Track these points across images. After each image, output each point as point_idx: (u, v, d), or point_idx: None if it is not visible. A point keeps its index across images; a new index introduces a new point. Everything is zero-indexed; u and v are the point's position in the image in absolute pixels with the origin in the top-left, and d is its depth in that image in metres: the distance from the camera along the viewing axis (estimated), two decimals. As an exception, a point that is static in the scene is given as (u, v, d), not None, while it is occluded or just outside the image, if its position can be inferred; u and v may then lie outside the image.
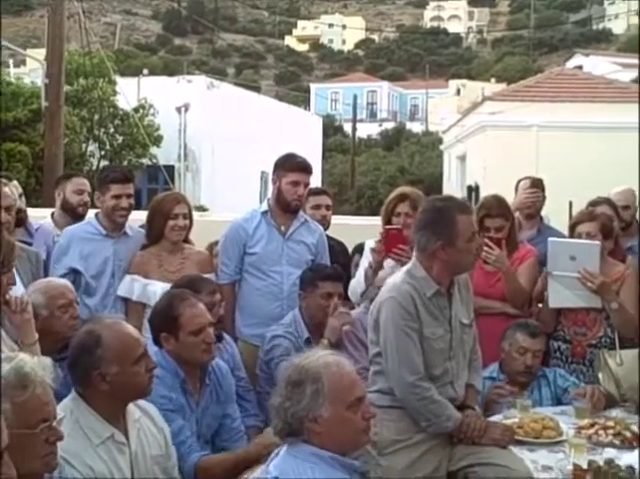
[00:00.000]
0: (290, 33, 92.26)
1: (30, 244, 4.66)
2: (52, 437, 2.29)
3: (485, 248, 4.39)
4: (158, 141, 20.12)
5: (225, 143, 21.38)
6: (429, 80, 64.27)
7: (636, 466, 3.16)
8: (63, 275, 4.41)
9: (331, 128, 46.27)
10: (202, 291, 3.90)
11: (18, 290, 3.54)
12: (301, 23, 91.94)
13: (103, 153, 19.86)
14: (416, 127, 53.87)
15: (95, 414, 2.81)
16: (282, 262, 4.62)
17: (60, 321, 3.72)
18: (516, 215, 5.05)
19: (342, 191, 32.07)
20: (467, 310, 3.52)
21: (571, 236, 4.50)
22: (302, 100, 60.19)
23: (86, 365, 2.81)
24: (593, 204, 4.98)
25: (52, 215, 5.34)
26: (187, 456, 3.29)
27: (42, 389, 2.27)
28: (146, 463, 2.90)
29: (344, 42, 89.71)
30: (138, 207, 5.11)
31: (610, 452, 3.35)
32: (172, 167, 21.37)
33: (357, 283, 4.67)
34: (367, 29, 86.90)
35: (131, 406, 2.93)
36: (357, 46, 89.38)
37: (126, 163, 19.13)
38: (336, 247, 5.14)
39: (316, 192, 5.36)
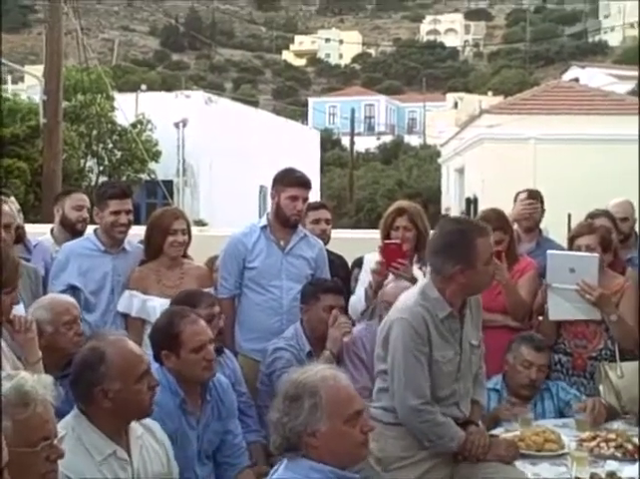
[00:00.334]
0: (287, 48, 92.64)
1: (28, 261, 4.65)
2: (52, 455, 2.28)
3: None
4: (156, 156, 20.14)
5: (224, 157, 21.41)
6: (426, 93, 64.45)
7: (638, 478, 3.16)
8: (61, 292, 4.39)
9: (329, 142, 46.33)
10: (201, 305, 3.89)
11: (18, 307, 3.53)
12: (298, 38, 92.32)
13: (101, 168, 19.87)
14: (414, 140, 53.92)
15: (97, 431, 2.80)
16: (282, 277, 4.62)
17: (65, 338, 3.72)
18: (515, 227, 5.06)
19: (341, 204, 32.08)
20: (476, 330, 3.47)
21: (570, 248, 4.50)
22: (300, 114, 60.34)
23: (88, 382, 2.80)
24: (592, 216, 4.98)
25: (51, 231, 5.33)
26: None
27: (43, 407, 2.26)
28: (148, 480, 2.89)
29: (341, 56, 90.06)
30: (136, 222, 5.11)
31: (612, 465, 3.35)
32: (171, 182, 21.38)
33: (357, 301, 4.68)
34: (364, 43, 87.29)
35: (133, 423, 2.92)
36: (354, 60, 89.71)
37: (124, 178, 19.14)
38: (336, 261, 5.14)
39: (315, 206, 5.36)
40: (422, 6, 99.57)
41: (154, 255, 4.60)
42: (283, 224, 4.67)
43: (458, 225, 3.39)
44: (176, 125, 21.55)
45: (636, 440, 3.55)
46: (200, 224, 16.76)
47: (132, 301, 4.51)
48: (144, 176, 20.11)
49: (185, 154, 21.93)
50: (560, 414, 4.13)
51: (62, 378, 3.56)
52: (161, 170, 20.05)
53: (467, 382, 3.42)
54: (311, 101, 68.78)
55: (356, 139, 39.87)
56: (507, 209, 5.13)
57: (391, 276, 4.55)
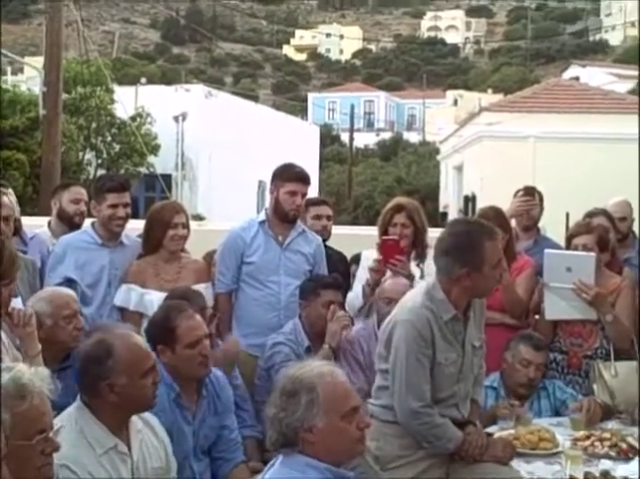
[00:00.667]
0: (288, 42, 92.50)
1: (25, 253, 4.65)
2: (48, 448, 2.28)
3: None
4: (155, 149, 20.10)
5: (223, 152, 21.38)
6: (426, 90, 64.43)
7: (632, 477, 3.17)
8: (58, 285, 4.39)
9: (328, 137, 46.28)
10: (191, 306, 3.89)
11: (16, 300, 3.53)
12: (299, 32, 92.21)
13: (100, 161, 19.84)
14: (413, 137, 53.91)
15: (99, 424, 2.80)
16: (280, 272, 4.62)
17: (64, 331, 3.72)
18: (513, 226, 5.06)
19: (339, 201, 32.04)
20: (479, 331, 3.46)
21: (568, 248, 4.51)
22: (300, 109, 60.30)
23: (95, 375, 2.80)
24: (590, 215, 4.98)
25: (49, 223, 5.32)
26: None
27: (40, 400, 2.26)
28: (147, 475, 2.89)
29: (342, 52, 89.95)
30: (135, 216, 5.10)
31: (606, 464, 3.36)
32: (170, 176, 21.35)
33: (355, 297, 4.69)
34: (364, 39, 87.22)
35: (133, 417, 2.92)
36: (354, 56, 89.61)
37: (123, 171, 19.10)
38: (335, 257, 5.15)
39: (317, 202, 5.36)
40: (423, 2, 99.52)
41: (152, 249, 4.59)
42: (282, 219, 4.67)
43: (467, 226, 3.35)
44: (176, 118, 21.51)
45: (630, 439, 3.56)
46: (198, 218, 16.75)
47: (129, 295, 4.51)
48: (142, 169, 20.08)
49: (185, 148, 21.90)
50: (556, 413, 4.14)
51: (60, 371, 3.57)
52: (160, 163, 20.02)
53: (467, 384, 3.41)
54: (311, 96, 68.75)
55: (355, 135, 39.86)
56: (506, 207, 5.12)
57: (389, 273, 4.56)
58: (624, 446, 3.51)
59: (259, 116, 24.32)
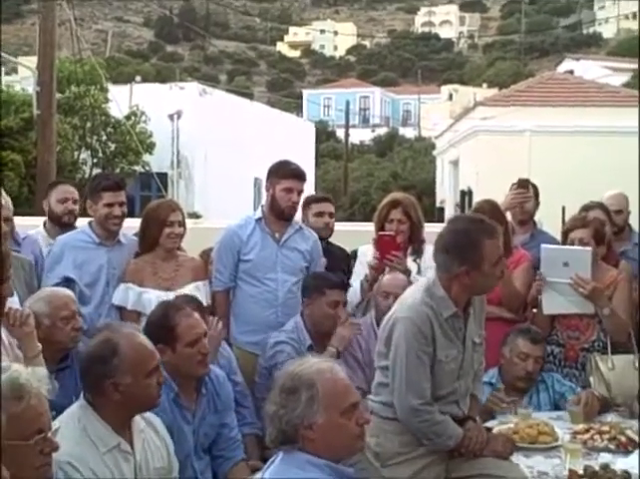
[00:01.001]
0: (282, 39, 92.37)
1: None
2: (46, 448, 2.27)
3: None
4: (150, 148, 20.08)
5: (218, 149, 21.36)
6: (421, 85, 64.37)
7: (632, 471, 3.17)
8: (56, 284, 4.39)
9: (324, 134, 46.24)
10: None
11: (13, 300, 3.52)
12: (293, 29, 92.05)
13: (95, 160, 19.81)
14: (408, 132, 53.88)
15: (102, 423, 2.80)
16: (277, 269, 4.62)
17: (62, 332, 3.72)
18: (509, 219, 5.06)
19: (335, 197, 31.69)
20: (479, 327, 3.44)
21: (564, 242, 4.51)
22: (294, 106, 60.21)
23: (100, 374, 2.80)
24: (586, 208, 4.98)
25: (44, 224, 5.31)
26: None
27: (37, 400, 2.25)
28: (149, 474, 2.89)
29: (336, 48, 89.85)
30: (131, 214, 5.09)
31: (605, 457, 3.36)
32: (165, 174, 21.34)
33: (353, 293, 4.68)
34: (358, 35, 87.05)
35: (136, 417, 2.92)
36: (349, 52, 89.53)
37: (118, 170, 19.08)
38: (337, 254, 5.14)
39: (319, 199, 5.35)
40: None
41: (149, 248, 4.59)
42: (278, 216, 4.67)
43: (467, 224, 3.32)
44: (171, 117, 21.50)
45: (629, 432, 3.57)
46: (195, 216, 16.72)
47: (127, 294, 4.50)
48: (138, 168, 20.06)
49: (180, 146, 21.88)
50: (555, 406, 4.14)
51: (58, 372, 3.57)
52: (156, 162, 20.01)
53: (467, 380, 3.40)
54: (306, 93, 68.67)
55: (351, 131, 39.87)
56: (502, 201, 5.12)
57: (387, 269, 4.57)
58: (623, 439, 3.51)
59: (254, 113, 24.30)
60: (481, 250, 3.19)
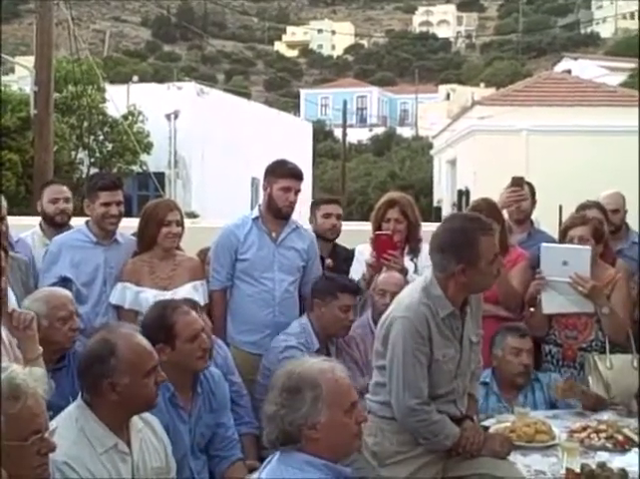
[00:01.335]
0: (280, 39, 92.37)
1: (10, 255, 4.63)
2: (43, 449, 2.27)
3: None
4: (147, 148, 20.05)
5: (216, 149, 21.36)
6: (418, 85, 64.36)
7: (629, 469, 3.18)
8: (52, 284, 4.39)
9: (321, 133, 46.23)
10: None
11: (9, 300, 3.52)
12: (290, 29, 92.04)
13: (92, 160, 19.77)
14: (406, 132, 53.85)
15: (100, 423, 2.80)
16: (274, 269, 4.62)
17: (59, 332, 3.73)
18: (506, 218, 5.05)
19: (333, 196, 32.01)
20: (476, 326, 3.44)
21: (563, 240, 4.49)
22: (292, 105, 60.20)
23: (97, 374, 2.79)
24: (583, 207, 4.98)
25: (40, 224, 5.31)
26: None
27: (34, 401, 2.25)
28: (147, 474, 2.89)
29: (333, 47, 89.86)
30: (128, 214, 5.09)
31: (603, 455, 3.37)
32: (163, 174, 21.32)
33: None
34: (356, 34, 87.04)
35: (134, 417, 2.92)
36: (346, 51, 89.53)
37: (115, 170, 19.06)
38: (343, 255, 5.13)
39: (328, 200, 5.34)
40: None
41: (147, 247, 4.59)
42: (275, 215, 4.67)
43: (462, 222, 3.29)
44: (168, 116, 21.49)
45: (626, 431, 3.57)
46: (192, 216, 16.72)
47: (124, 293, 4.51)
48: (135, 167, 20.04)
49: (177, 145, 21.88)
50: (551, 405, 4.15)
51: (54, 372, 3.56)
52: (153, 162, 19.98)
53: (465, 380, 3.40)
54: (303, 92, 68.62)
55: (348, 130, 39.76)
56: (497, 200, 5.10)
57: (384, 268, 4.57)
58: (620, 438, 3.52)
59: (252, 113, 24.30)
60: (478, 248, 3.17)
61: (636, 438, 3.52)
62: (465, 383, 3.41)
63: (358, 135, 49.72)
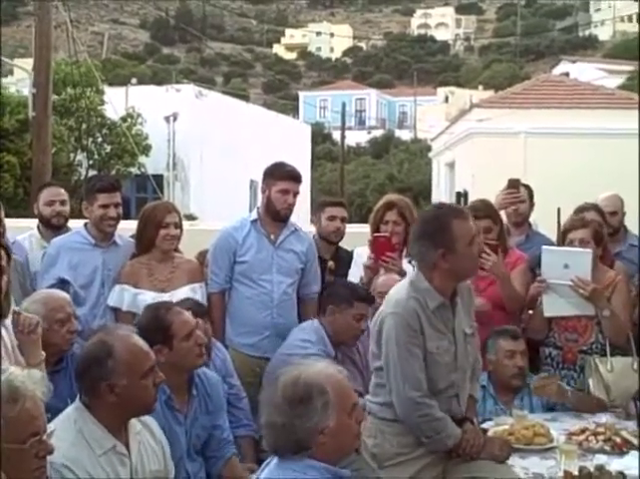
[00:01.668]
0: (278, 41, 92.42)
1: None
2: (42, 451, 2.27)
3: (483, 255, 4.36)
4: (146, 150, 20.05)
5: (214, 151, 21.36)
6: (417, 87, 64.43)
7: (627, 471, 3.18)
8: (51, 286, 4.39)
9: (320, 136, 46.26)
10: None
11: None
12: (289, 31, 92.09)
13: (91, 162, 19.78)
14: (404, 134, 53.94)
15: (98, 425, 2.80)
16: (272, 271, 4.62)
17: (57, 335, 3.74)
18: (505, 221, 5.05)
19: (331, 198, 31.99)
20: (469, 317, 3.44)
21: (563, 242, 4.48)
22: (291, 108, 60.27)
23: (95, 376, 2.79)
24: (581, 210, 4.98)
25: (38, 227, 5.30)
26: None
27: (32, 403, 2.25)
28: (145, 477, 2.88)
29: (332, 50, 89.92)
30: (126, 216, 5.09)
31: (601, 458, 3.36)
32: (161, 176, 21.32)
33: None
34: (355, 37, 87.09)
35: (132, 419, 2.92)
36: (345, 54, 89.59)
37: (114, 172, 19.04)
38: (346, 258, 5.11)
39: (333, 203, 5.30)
40: (412, 0, 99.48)
41: (145, 249, 4.59)
42: (274, 217, 4.67)
43: (434, 211, 3.40)
44: (167, 119, 21.48)
45: (625, 433, 3.57)
46: (191, 218, 16.72)
47: (122, 296, 4.50)
48: (134, 170, 20.03)
49: (176, 148, 21.86)
50: (549, 408, 4.15)
51: (52, 374, 3.55)
52: (152, 164, 19.97)
53: (464, 373, 3.40)
54: (302, 95, 68.71)
55: (347, 133, 39.80)
56: (493, 202, 5.10)
57: (382, 270, 4.57)
58: (619, 440, 3.52)
59: (250, 115, 24.29)
60: (451, 231, 3.21)
61: (634, 441, 3.52)
62: (465, 377, 3.40)
63: (356, 137, 49.82)
